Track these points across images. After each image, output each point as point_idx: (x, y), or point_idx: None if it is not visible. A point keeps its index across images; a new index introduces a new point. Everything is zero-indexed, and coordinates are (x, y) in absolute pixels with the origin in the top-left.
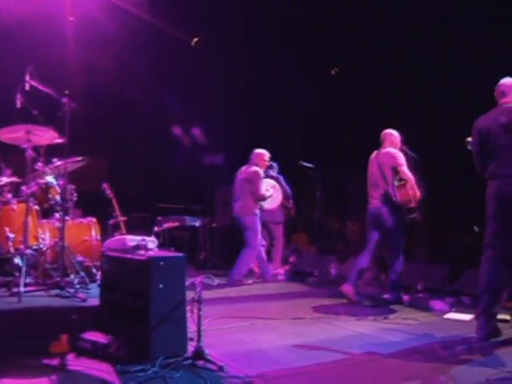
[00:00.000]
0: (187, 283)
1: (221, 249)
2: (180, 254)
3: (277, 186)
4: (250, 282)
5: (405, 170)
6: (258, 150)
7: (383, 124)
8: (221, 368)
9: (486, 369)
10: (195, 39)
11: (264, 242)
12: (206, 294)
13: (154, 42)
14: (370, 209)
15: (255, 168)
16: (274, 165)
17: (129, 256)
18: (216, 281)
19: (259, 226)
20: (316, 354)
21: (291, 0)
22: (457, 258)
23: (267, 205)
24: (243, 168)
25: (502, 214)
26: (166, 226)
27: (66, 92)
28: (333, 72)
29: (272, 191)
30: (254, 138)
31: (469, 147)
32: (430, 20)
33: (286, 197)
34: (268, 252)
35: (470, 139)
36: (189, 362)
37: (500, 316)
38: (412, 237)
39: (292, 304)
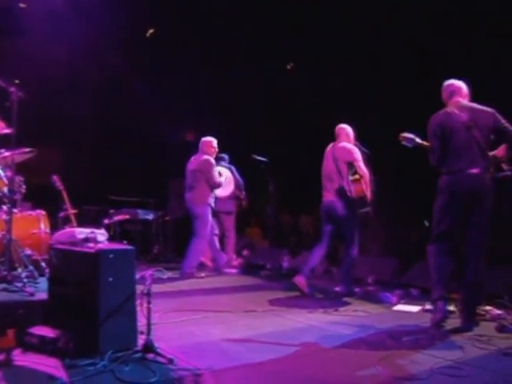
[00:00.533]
0: (137, 276)
1: (174, 242)
2: (130, 247)
3: (228, 173)
4: (202, 275)
5: (361, 165)
6: (205, 138)
7: (337, 118)
8: (171, 361)
9: (430, 358)
10: (150, 30)
11: (217, 231)
12: (158, 288)
13: (105, 30)
14: (324, 202)
15: (206, 156)
16: (225, 156)
17: (77, 249)
18: (166, 274)
19: (210, 217)
20: (266, 346)
21: None
22: (406, 252)
23: (219, 192)
24: (193, 158)
25: (453, 207)
26: (116, 218)
27: (16, 81)
28: (288, 67)
29: (224, 177)
30: (206, 131)
31: (404, 143)
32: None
33: (238, 187)
34: (220, 243)
35: (406, 135)
36: (139, 355)
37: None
38: (364, 231)
39: (244, 297)
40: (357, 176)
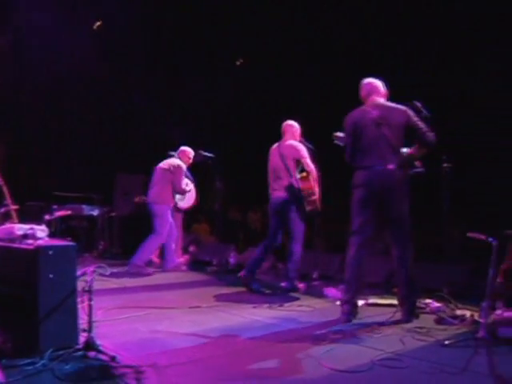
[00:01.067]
0: (79, 273)
1: (120, 238)
2: (71, 243)
3: (192, 187)
4: (150, 271)
5: (308, 162)
6: (184, 148)
7: (284, 115)
8: (113, 358)
9: (371, 350)
10: (97, 23)
11: (176, 233)
12: (103, 285)
13: (52, 23)
14: (272, 199)
15: (179, 162)
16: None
17: (16, 245)
18: (109, 270)
19: (169, 216)
20: (210, 341)
21: None
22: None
23: (182, 203)
24: (166, 161)
25: (365, 202)
26: (57, 214)
27: None
28: (238, 63)
29: (190, 188)
30: (153, 126)
31: (337, 142)
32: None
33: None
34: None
35: (339, 134)
36: (80, 353)
37: (388, 301)
38: (311, 227)
39: (190, 293)
40: (304, 173)
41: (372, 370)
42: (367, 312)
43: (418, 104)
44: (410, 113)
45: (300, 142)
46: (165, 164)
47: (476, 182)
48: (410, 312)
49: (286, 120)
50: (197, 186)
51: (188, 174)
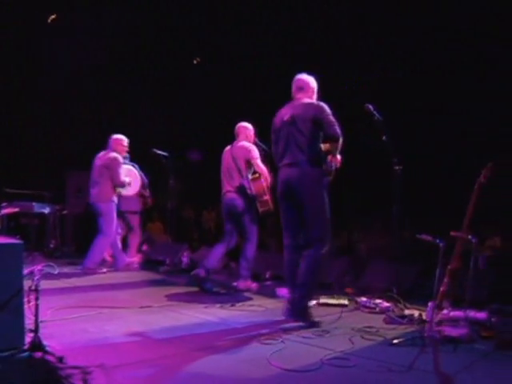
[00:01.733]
0: (26, 272)
1: (72, 237)
2: (17, 242)
3: (135, 172)
4: (104, 270)
5: (258, 162)
6: (116, 136)
7: (240, 115)
8: (60, 359)
9: (321, 350)
10: (52, 16)
11: (120, 230)
12: (53, 284)
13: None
14: (225, 200)
15: (114, 154)
16: (126, 155)
17: None
18: (57, 269)
19: (115, 214)
20: (159, 341)
21: None
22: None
23: (125, 191)
24: (101, 154)
25: (282, 202)
26: (4, 212)
27: None
28: (195, 62)
29: (131, 178)
30: (109, 125)
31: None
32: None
33: (142, 186)
34: (124, 241)
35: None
36: (26, 354)
37: (339, 301)
38: (263, 227)
39: (141, 293)
40: (256, 174)
41: (320, 369)
42: (319, 312)
43: (370, 107)
44: (321, 108)
45: (254, 143)
46: (100, 159)
47: (426, 184)
48: (299, 312)
49: (240, 121)
50: (151, 184)
51: (126, 161)
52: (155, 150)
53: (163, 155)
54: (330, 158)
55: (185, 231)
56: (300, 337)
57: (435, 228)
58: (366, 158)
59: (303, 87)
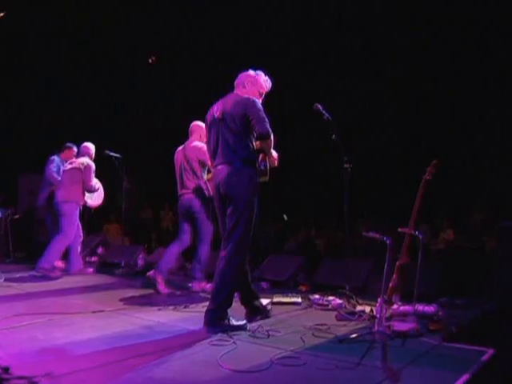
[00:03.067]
0: None
1: (24, 241)
2: None
3: (100, 185)
4: (58, 274)
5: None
6: (87, 144)
7: (195, 114)
8: (5, 369)
9: (272, 349)
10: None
11: (81, 234)
12: (4, 291)
13: None
14: (181, 200)
15: (89, 161)
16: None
17: None
18: (3, 277)
19: (77, 216)
20: (109, 347)
21: None
22: (262, 246)
23: (91, 201)
24: (74, 159)
25: (215, 203)
26: None
27: None
28: (150, 61)
29: (99, 186)
30: (60, 127)
31: None
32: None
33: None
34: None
35: None
36: None
37: (293, 299)
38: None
39: (94, 297)
40: (210, 174)
41: (270, 368)
42: (273, 311)
43: (320, 106)
44: (251, 103)
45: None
46: (72, 163)
47: (377, 182)
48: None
49: (194, 120)
50: (104, 186)
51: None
52: (108, 152)
53: (116, 157)
54: (261, 156)
55: (143, 232)
56: (252, 337)
57: (386, 224)
58: (323, 156)
59: (240, 82)
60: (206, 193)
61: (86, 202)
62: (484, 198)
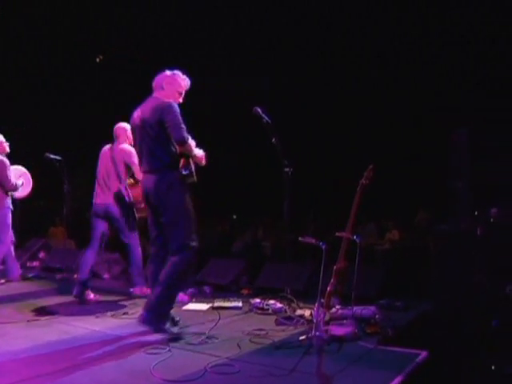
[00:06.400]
0: None
1: None
2: None
3: (25, 171)
4: (2, 281)
5: (138, 169)
6: None
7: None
8: None
9: (207, 357)
10: None
11: (13, 239)
12: None
13: None
14: (97, 203)
15: (0, 157)
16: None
17: None
18: None
19: (10, 220)
20: (42, 358)
21: None
22: (208, 247)
23: (18, 193)
24: None
25: (148, 209)
26: None
27: None
28: (97, 60)
29: (22, 179)
30: None
31: None
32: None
33: None
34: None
35: None
36: None
37: (233, 303)
38: (144, 234)
39: (31, 304)
40: (132, 180)
41: (203, 377)
42: (212, 316)
43: (259, 110)
44: (167, 109)
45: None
46: None
47: (318, 186)
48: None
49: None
50: (47, 189)
51: None
52: (48, 155)
53: (56, 159)
54: (182, 162)
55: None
56: (188, 344)
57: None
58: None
59: (158, 84)
60: (127, 198)
61: (13, 196)
62: (429, 197)
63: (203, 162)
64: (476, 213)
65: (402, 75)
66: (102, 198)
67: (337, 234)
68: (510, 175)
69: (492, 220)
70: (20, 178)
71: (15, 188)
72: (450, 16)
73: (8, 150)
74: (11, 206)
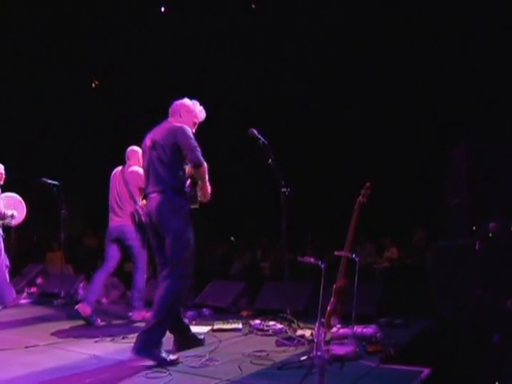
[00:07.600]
0: None
1: None
2: None
3: (19, 200)
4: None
5: None
6: None
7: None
8: None
9: (207, 379)
10: None
11: (8, 263)
12: None
13: None
14: (112, 226)
15: None
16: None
17: None
18: None
19: (2, 246)
20: None
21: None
22: (208, 270)
23: (14, 222)
24: None
25: (150, 232)
26: None
27: None
28: (93, 85)
29: (14, 211)
30: None
31: None
32: None
33: None
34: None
35: None
36: None
37: (233, 325)
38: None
39: (29, 330)
40: (145, 201)
41: None
42: (213, 338)
43: (255, 131)
44: (181, 132)
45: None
46: None
47: (316, 205)
48: (179, 343)
49: (131, 145)
50: (45, 214)
51: None
52: (45, 180)
53: (54, 184)
54: (189, 182)
55: (88, 260)
56: (189, 367)
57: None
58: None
59: (176, 111)
60: (143, 218)
61: (9, 224)
62: (428, 214)
63: (208, 195)
64: (474, 228)
65: (399, 94)
66: (116, 220)
67: (336, 252)
68: (508, 190)
69: (490, 234)
70: (12, 208)
71: (4, 217)
72: (449, 31)
73: (3, 177)
74: (2, 233)
